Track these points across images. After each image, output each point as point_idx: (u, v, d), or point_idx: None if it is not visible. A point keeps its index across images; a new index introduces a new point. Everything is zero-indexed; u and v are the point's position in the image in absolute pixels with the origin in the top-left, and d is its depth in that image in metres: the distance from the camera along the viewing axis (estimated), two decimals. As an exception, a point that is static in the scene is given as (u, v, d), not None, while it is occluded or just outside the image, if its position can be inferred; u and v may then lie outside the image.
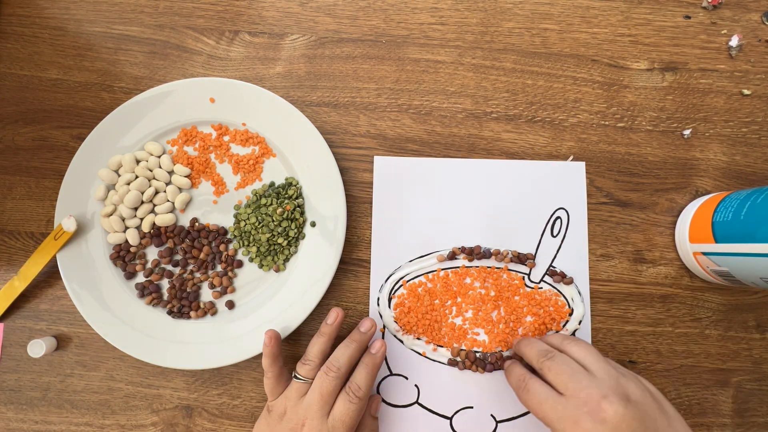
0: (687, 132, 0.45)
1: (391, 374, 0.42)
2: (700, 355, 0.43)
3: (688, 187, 0.44)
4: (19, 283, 0.42)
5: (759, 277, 0.36)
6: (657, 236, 0.44)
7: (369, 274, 0.44)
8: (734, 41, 0.46)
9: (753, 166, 0.45)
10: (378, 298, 0.43)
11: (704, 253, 0.40)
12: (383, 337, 0.43)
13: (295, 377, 0.37)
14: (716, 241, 0.38)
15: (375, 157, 0.45)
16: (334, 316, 0.39)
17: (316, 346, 0.38)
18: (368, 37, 0.47)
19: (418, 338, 0.42)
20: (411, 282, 0.43)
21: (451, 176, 0.44)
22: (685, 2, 0.47)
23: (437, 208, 0.44)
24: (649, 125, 0.45)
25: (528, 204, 0.44)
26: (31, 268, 0.42)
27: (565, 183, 0.44)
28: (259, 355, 0.42)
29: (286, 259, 0.43)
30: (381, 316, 0.43)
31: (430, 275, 0.43)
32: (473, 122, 0.45)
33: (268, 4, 0.47)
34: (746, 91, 0.45)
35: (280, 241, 0.42)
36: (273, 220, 0.42)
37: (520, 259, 0.43)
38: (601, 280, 0.43)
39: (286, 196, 0.42)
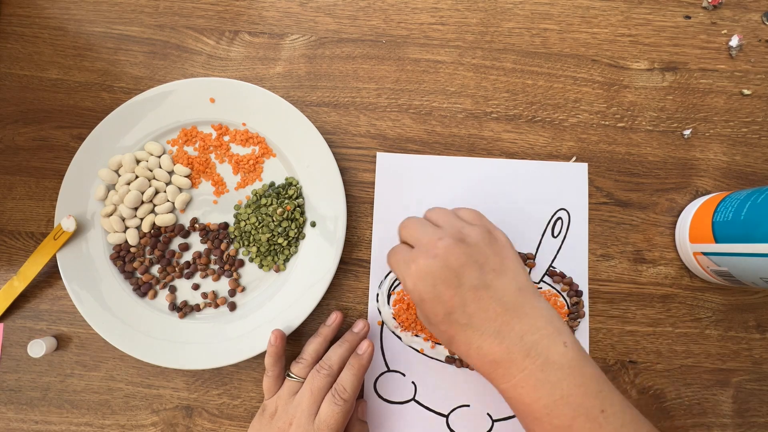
0: (687, 132, 0.45)
1: (389, 370, 0.42)
2: (700, 355, 0.43)
3: (688, 187, 0.44)
4: (19, 283, 0.42)
5: (759, 277, 0.36)
6: (657, 236, 0.44)
7: (369, 273, 0.44)
8: (734, 41, 0.46)
9: (753, 166, 0.45)
10: (377, 294, 0.43)
11: (704, 253, 0.40)
12: (381, 333, 0.43)
13: (289, 376, 0.38)
14: (716, 241, 0.38)
15: (378, 153, 0.45)
16: (333, 317, 0.41)
17: (311, 346, 0.39)
18: (368, 37, 0.47)
19: (417, 335, 0.42)
20: None
21: (454, 174, 0.44)
22: (685, 2, 0.47)
23: (439, 205, 0.44)
24: (649, 125, 0.45)
25: (529, 204, 0.44)
26: (31, 268, 0.42)
27: (567, 184, 0.44)
28: (260, 355, 0.42)
29: (286, 259, 0.43)
30: (380, 312, 0.43)
31: None
32: (473, 122, 0.45)
33: (268, 4, 0.47)
34: (746, 91, 0.45)
35: (280, 241, 0.42)
36: (273, 220, 0.42)
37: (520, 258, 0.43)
38: (601, 280, 0.43)
39: (286, 196, 0.42)
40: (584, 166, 0.44)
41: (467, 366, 0.42)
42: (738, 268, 0.37)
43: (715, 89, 0.46)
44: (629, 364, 0.43)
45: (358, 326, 0.40)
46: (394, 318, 0.43)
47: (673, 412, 0.42)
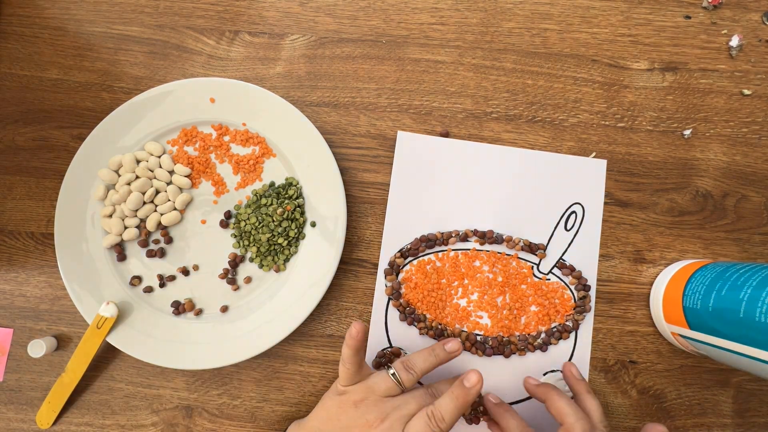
0: (687, 132, 0.45)
1: (391, 347, 0.42)
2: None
3: (688, 187, 0.44)
4: (69, 379, 0.41)
5: (743, 369, 0.34)
6: (657, 236, 0.44)
7: (369, 274, 0.44)
8: (734, 41, 0.46)
9: (753, 166, 0.45)
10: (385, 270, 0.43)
11: (681, 336, 0.39)
12: (386, 308, 0.43)
13: (393, 375, 0.35)
14: (690, 328, 0.37)
15: (398, 132, 0.45)
16: (455, 346, 0.37)
17: (426, 364, 0.36)
18: (368, 37, 0.47)
19: (422, 314, 0.42)
20: (420, 259, 0.43)
21: (472, 159, 0.45)
22: (685, 2, 0.47)
23: (455, 188, 0.44)
24: (650, 125, 0.45)
25: (545, 195, 0.44)
26: (79, 364, 0.41)
27: (584, 179, 0.44)
28: (260, 355, 0.42)
29: (286, 259, 0.43)
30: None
31: (440, 254, 0.43)
32: (473, 122, 0.45)
33: (268, 4, 0.47)
34: (746, 91, 0.45)
35: (280, 241, 0.42)
36: (273, 220, 0.42)
37: (531, 248, 0.43)
38: (601, 280, 0.43)
39: (286, 196, 0.42)
40: (603, 162, 0.44)
41: (470, 350, 0.42)
42: (718, 356, 0.36)
43: (715, 89, 0.46)
44: (629, 364, 0.43)
45: (471, 380, 0.35)
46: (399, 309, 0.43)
47: (673, 412, 0.42)
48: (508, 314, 0.42)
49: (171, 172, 0.44)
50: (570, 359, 0.42)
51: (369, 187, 0.45)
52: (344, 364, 0.36)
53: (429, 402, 0.35)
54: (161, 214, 0.43)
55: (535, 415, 0.41)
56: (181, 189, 0.44)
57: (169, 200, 0.43)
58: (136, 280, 0.43)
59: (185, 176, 0.44)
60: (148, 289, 0.42)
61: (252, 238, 0.42)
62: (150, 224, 0.43)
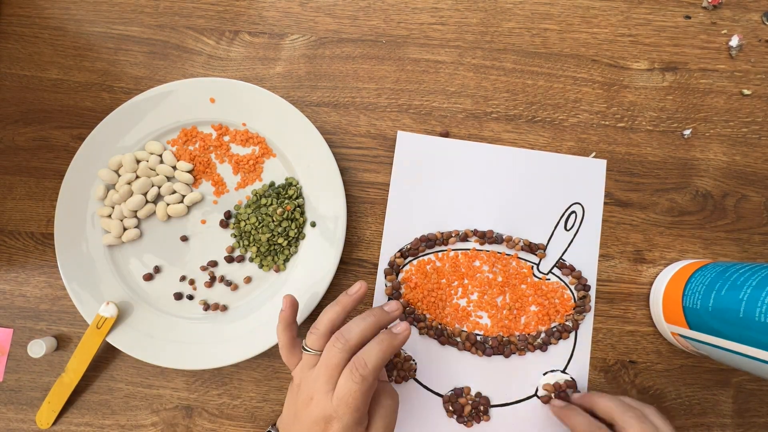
0: (687, 132, 0.45)
1: None
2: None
3: (688, 187, 0.44)
4: (69, 378, 0.41)
5: (742, 368, 0.35)
6: (657, 236, 0.44)
7: (369, 274, 0.44)
8: (734, 41, 0.46)
9: (753, 166, 0.45)
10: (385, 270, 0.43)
11: (681, 336, 0.39)
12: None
13: (303, 348, 0.35)
14: (690, 328, 0.38)
15: (398, 132, 0.45)
16: (356, 287, 0.36)
17: (326, 315, 0.35)
18: (368, 37, 0.47)
19: (422, 314, 0.42)
20: (420, 259, 0.43)
21: (472, 159, 0.45)
22: (685, 2, 0.47)
23: (455, 188, 0.44)
24: (650, 125, 0.45)
25: (545, 195, 0.44)
26: (79, 363, 0.41)
27: (584, 179, 0.44)
28: (260, 355, 0.42)
29: (286, 259, 0.43)
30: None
31: (440, 254, 0.43)
32: (473, 122, 0.45)
33: (268, 4, 0.47)
34: (746, 91, 0.45)
35: (280, 241, 0.42)
36: (273, 220, 0.42)
37: (531, 248, 0.43)
38: (601, 280, 0.43)
39: (286, 196, 0.42)
40: (603, 162, 0.44)
41: (469, 350, 0.42)
42: (718, 356, 0.36)
43: (715, 89, 0.46)
44: (629, 364, 0.43)
45: (391, 306, 0.36)
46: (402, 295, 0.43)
47: (673, 412, 0.42)
48: (508, 314, 0.42)
49: (174, 167, 0.44)
50: (570, 359, 0.42)
51: (369, 187, 0.45)
52: (278, 342, 0.36)
53: (334, 353, 0.33)
54: (168, 204, 0.43)
55: (536, 416, 0.41)
56: (186, 184, 0.44)
57: (175, 192, 0.43)
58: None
59: (187, 171, 0.44)
60: (148, 277, 0.43)
61: (252, 238, 0.42)
62: (160, 215, 0.43)
